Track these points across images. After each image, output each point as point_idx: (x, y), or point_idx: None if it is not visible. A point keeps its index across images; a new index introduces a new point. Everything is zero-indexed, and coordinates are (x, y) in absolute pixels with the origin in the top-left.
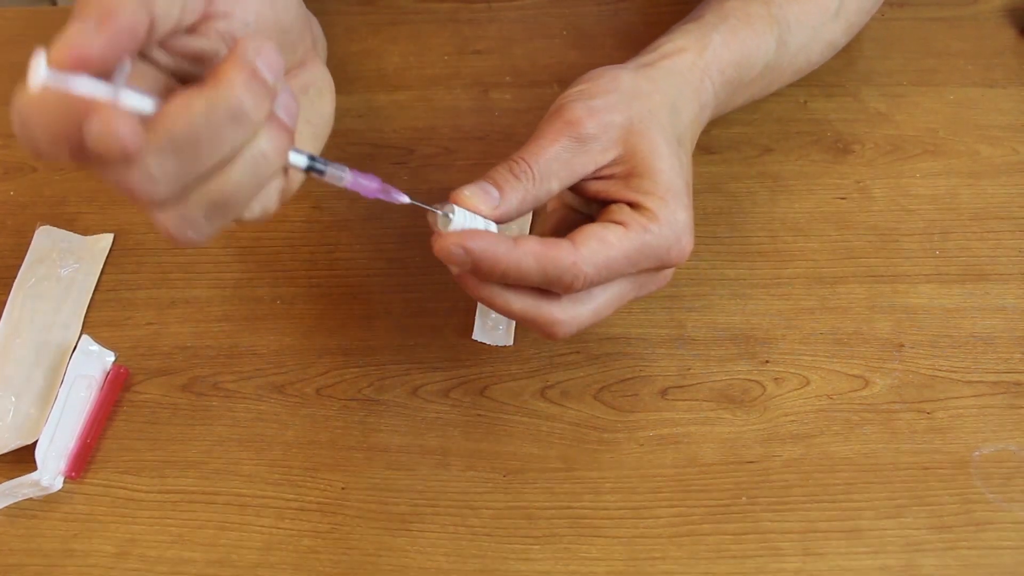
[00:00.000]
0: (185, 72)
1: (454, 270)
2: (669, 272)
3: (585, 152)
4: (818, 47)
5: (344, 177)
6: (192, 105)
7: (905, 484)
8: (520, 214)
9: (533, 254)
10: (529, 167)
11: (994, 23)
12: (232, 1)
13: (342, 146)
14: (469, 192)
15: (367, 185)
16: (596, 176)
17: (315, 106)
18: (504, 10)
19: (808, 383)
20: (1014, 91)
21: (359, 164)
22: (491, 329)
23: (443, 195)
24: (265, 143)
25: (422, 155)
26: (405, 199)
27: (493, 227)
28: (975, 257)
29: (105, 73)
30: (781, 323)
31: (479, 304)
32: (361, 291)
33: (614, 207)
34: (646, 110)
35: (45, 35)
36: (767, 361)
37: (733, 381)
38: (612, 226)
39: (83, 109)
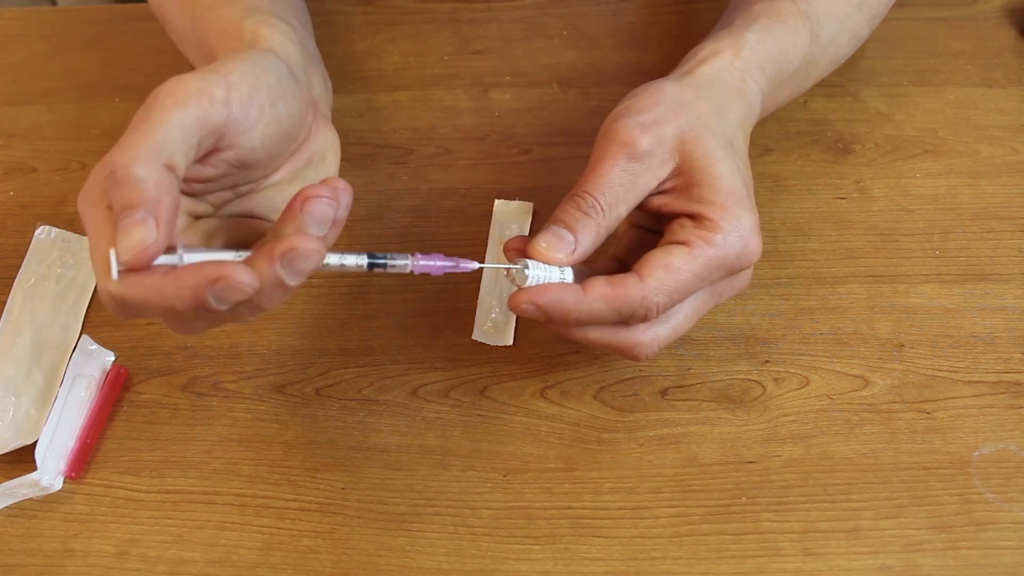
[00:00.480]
0: (194, 190)
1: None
2: (747, 273)
3: (645, 170)
4: (845, 39)
5: (408, 264)
6: (216, 289)
7: (905, 484)
8: (595, 248)
9: (603, 298)
10: (596, 200)
11: (994, 23)
12: (239, 133)
13: (342, 146)
14: (545, 244)
15: (433, 265)
16: (657, 191)
17: (318, 174)
18: (504, 10)
19: (808, 383)
20: (1014, 91)
21: (359, 164)
22: (491, 329)
23: (443, 195)
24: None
25: (422, 155)
26: (475, 265)
27: (568, 272)
28: (975, 257)
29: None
30: (781, 323)
31: (479, 304)
32: (361, 291)
33: (676, 225)
34: (694, 118)
35: (45, 35)
36: (767, 361)
37: (733, 381)
38: (676, 248)
39: (209, 278)
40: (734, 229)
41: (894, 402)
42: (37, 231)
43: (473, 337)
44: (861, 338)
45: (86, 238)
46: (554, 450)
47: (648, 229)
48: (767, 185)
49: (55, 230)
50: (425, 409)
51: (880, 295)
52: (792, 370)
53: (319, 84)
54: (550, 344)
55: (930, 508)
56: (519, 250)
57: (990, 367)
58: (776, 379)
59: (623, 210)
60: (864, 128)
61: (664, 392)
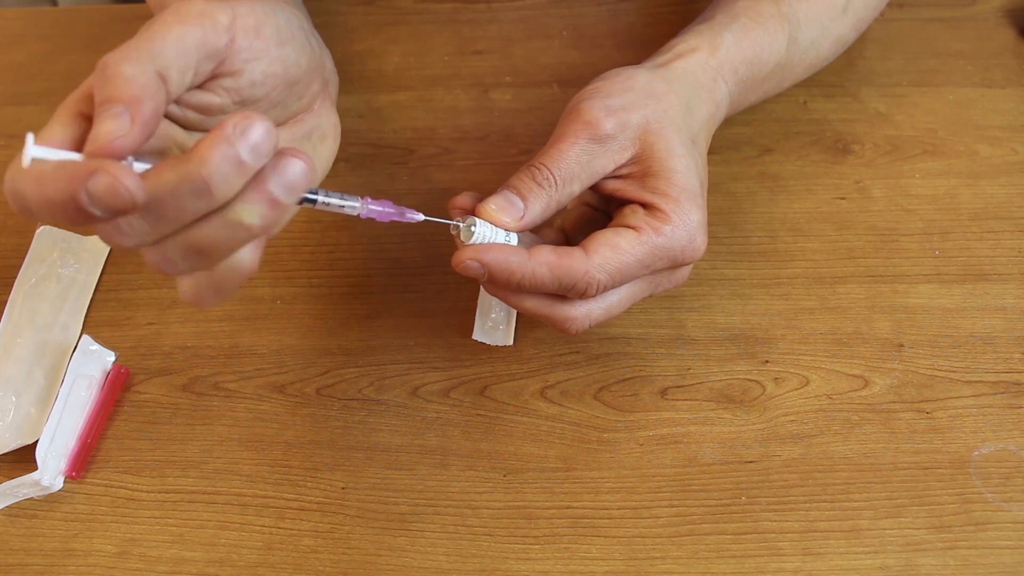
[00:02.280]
0: (190, 121)
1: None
2: (686, 270)
3: (604, 153)
4: (827, 43)
5: (356, 206)
6: (163, 175)
7: (904, 484)
8: (543, 220)
9: (547, 265)
10: (551, 173)
11: (994, 23)
12: (242, 61)
13: (342, 146)
14: (495, 206)
15: (381, 211)
16: (613, 175)
17: (316, 151)
18: (504, 10)
19: (808, 383)
20: (1013, 91)
21: (359, 164)
22: (491, 329)
23: (444, 195)
24: (243, 212)
25: (422, 155)
26: (420, 217)
27: (514, 237)
28: (975, 257)
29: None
30: (781, 323)
31: (479, 304)
32: (361, 291)
33: (628, 210)
34: (661, 110)
35: (45, 35)
36: (767, 361)
37: (733, 381)
38: (624, 231)
39: (85, 171)
40: (683, 223)
41: (894, 402)
42: (38, 231)
43: (473, 337)
44: (861, 338)
45: (87, 238)
46: (554, 450)
47: (598, 209)
48: (767, 185)
49: (55, 230)
50: (425, 409)
51: (880, 295)
52: (792, 370)
53: (330, 64)
54: (550, 344)
55: (929, 508)
56: (467, 208)
57: (989, 367)
58: (776, 379)
59: (576, 188)
60: (864, 128)
61: (664, 392)
